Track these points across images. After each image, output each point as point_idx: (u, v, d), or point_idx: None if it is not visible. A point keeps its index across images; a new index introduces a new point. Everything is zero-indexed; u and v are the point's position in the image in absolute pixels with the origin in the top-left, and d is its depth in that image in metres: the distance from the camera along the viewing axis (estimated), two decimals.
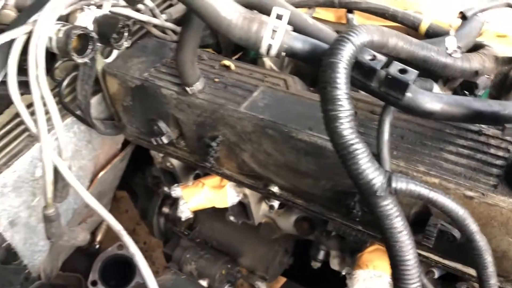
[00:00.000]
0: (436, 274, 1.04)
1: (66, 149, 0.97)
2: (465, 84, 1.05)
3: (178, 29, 1.39)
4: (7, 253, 1.26)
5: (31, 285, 1.33)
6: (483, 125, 0.89)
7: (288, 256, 1.64)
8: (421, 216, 0.89)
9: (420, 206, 0.88)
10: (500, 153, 0.85)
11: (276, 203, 1.22)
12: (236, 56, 1.34)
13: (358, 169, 0.72)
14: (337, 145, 0.73)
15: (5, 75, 0.95)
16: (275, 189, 1.07)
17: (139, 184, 1.81)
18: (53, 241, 1.09)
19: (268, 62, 1.25)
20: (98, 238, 2.20)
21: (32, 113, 0.96)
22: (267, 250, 1.59)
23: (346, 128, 0.72)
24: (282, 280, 2.46)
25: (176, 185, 1.22)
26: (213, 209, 1.60)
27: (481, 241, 0.77)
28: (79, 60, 0.95)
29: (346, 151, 0.72)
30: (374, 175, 0.72)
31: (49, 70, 1.09)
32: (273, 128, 0.96)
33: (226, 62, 1.12)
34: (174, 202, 1.71)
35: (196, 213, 1.73)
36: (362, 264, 1.00)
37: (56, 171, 0.98)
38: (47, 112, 0.97)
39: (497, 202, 0.79)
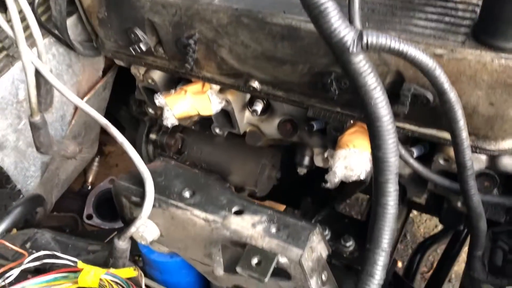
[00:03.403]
0: (415, 153, 1.09)
1: (45, 52, 0.98)
2: None
3: None
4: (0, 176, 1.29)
5: None
6: None
7: (276, 170, 1.69)
8: (396, 86, 0.92)
9: (394, 74, 0.92)
10: (467, 15, 0.87)
11: (259, 107, 1.25)
12: None
13: (330, 28, 0.75)
14: (308, 6, 0.75)
15: None
16: (255, 84, 1.10)
17: (124, 116, 1.82)
18: (43, 152, 1.11)
19: None
20: (90, 179, 2.24)
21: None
22: (254, 165, 1.63)
23: None
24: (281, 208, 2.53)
25: (158, 93, 1.24)
26: (200, 132, 1.64)
27: (451, 92, 0.81)
28: None
29: (317, 10, 0.74)
30: (345, 32, 0.74)
31: None
32: (248, 16, 0.98)
33: None
34: (160, 128, 1.74)
35: (184, 138, 1.76)
36: (343, 145, 1.04)
37: (38, 75, 0.99)
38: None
39: (466, 56, 0.82)
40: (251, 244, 0.83)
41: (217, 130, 1.41)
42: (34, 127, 1.06)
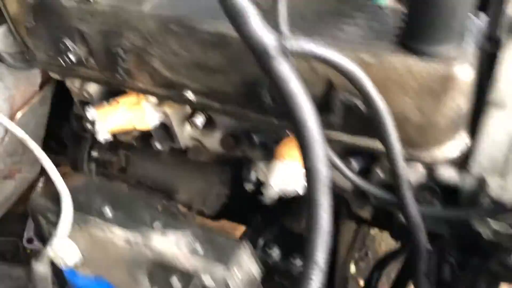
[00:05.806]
0: (355, 164, 1.06)
1: None
2: None
3: None
4: None
5: None
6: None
7: (225, 187, 1.64)
8: (327, 95, 0.89)
9: (324, 83, 0.89)
10: (397, 23, 0.86)
11: (199, 120, 1.20)
12: None
13: (250, 30, 0.71)
14: (226, 7, 0.72)
15: None
16: (189, 94, 1.05)
17: (67, 133, 1.74)
18: None
19: None
20: None
21: None
22: (202, 183, 1.58)
23: None
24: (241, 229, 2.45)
25: (90, 106, 1.18)
26: (145, 148, 1.57)
27: (378, 100, 0.79)
28: None
29: (236, 13, 0.71)
30: (266, 36, 0.71)
31: None
32: (176, 22, 0.94)
33: None
34: (103, 145, 1.66)
35: (127, 155, 1.69)
36: (277, 156, 1.00)
37: None
38: None
39: (393, 63, 0.80)
40: (175, 264, 0.77)
41: (158, 145, 1.35)
42: None
